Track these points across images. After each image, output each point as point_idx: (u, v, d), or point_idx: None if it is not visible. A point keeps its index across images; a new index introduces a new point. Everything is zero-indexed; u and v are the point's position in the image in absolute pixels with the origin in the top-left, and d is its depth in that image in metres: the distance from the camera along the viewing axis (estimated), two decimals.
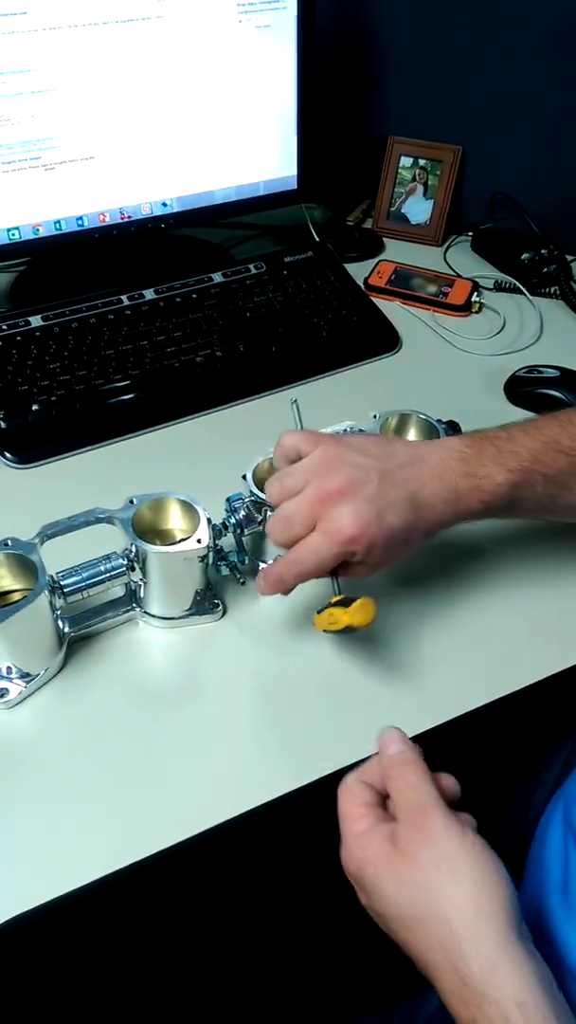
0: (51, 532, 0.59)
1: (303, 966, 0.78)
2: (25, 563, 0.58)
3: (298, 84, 0.96)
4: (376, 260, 1.06)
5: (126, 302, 0.91)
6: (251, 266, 0.99)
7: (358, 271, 1.03)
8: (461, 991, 0.41)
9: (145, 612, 0.64)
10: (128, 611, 0.64)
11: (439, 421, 0.70)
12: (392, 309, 0.99)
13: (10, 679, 0.59)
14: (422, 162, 1.10)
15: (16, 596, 0.60)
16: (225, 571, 0.65)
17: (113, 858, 0.51)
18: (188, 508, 0.62)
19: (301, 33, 0.93)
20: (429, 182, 1.10)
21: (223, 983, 0.79)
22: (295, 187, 1.02)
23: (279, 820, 0.55)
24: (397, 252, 1.10)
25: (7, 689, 0.59)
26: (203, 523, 0.60)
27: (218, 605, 0.64)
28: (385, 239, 1.12)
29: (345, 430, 0.68)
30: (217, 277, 0.96)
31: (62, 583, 0.59)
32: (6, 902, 0.49)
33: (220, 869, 0.79)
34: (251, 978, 0.78)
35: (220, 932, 0.81)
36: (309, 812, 0.54)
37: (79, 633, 0.62)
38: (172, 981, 0.78)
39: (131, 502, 0.62)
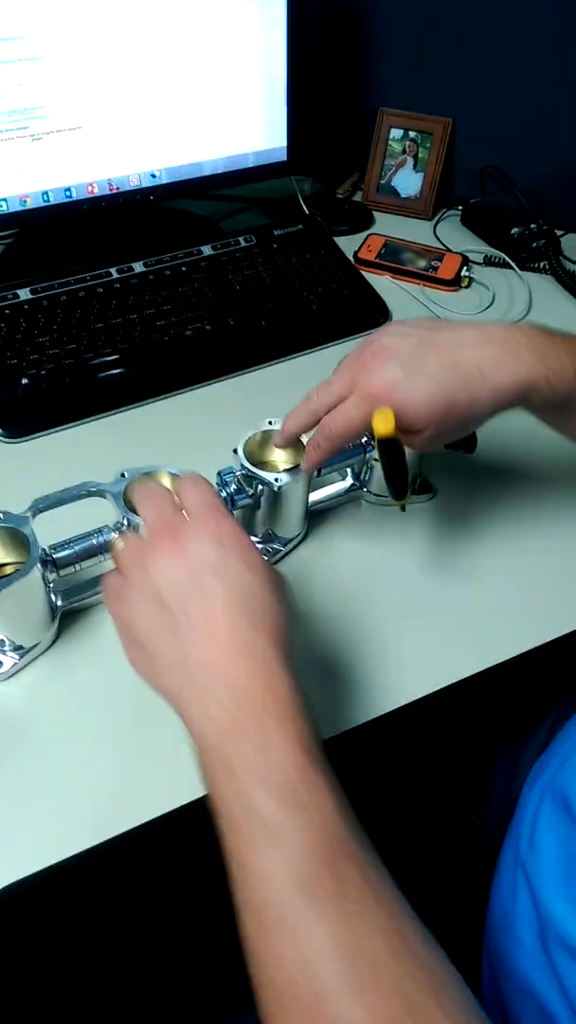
0: (43, 506, 0.59)
1: None
2: (17, 536, 0.58)
3: (288, 55, 0.95)
4: (366, 233, 1.06)
5: (115, 275, 0.91)
6: (241, 239, 0.98)
7: (348, 244, 1.03)
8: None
9: None
10: None
11: None
12: (382, 283, 0.98)
13: (3, 652, 0.60)
14: (412, 134, 1.09)
15: (8, 569, 0.60)
16: None
17: (106, 826, 0.52)
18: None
19: (291, 2, 0.92)
20: (419, 155, 1.10)
21: (221, 952, 0.80)
22: (285, 159, 1.02)
23: None
24: (387, 225, 1.10)
25: (0, 662, 0.59)
26: None
27: None
28: (375, 212, 1.12)
29: None
30: (207, 250, 0.96)
31: (55, 556, 0.59)
32: (1, 870, 0.50)
33: (213, 837, 0.80)
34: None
35: (214, 901, 0.82)
36: None
37: (72, 606, 0.63)
38: (169, 950, 0.80)
39: (122, 475, 0.62)
